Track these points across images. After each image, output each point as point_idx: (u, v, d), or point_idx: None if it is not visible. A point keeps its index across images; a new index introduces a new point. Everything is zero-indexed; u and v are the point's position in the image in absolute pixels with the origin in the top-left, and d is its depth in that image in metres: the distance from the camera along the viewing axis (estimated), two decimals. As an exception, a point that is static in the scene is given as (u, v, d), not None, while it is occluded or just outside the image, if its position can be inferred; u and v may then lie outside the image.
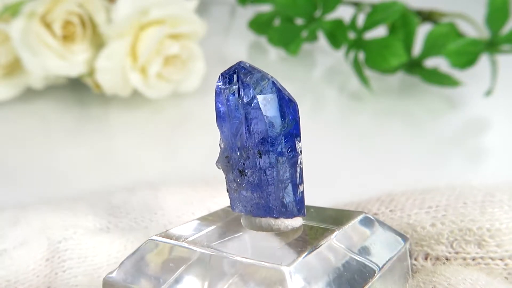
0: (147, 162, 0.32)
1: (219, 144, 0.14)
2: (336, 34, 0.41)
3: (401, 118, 0.38)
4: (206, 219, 0.16)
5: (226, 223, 0.15)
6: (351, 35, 0.40)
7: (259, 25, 0.48)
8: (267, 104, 0.13)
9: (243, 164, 0.14)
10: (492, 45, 0.36)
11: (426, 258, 0.15)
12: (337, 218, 0.15)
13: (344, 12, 0.41)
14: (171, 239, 0.14)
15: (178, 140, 0.35)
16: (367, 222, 0.15)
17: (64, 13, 0.34)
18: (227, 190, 0.15)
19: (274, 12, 0.46)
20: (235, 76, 0.13)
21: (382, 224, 0.15)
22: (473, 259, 0.15)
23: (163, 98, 0.37)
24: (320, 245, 0.13)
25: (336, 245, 0.13)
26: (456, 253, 0.15)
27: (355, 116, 0.38)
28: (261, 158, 0.13)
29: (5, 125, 0.35)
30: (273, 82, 0.13)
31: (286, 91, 0.14)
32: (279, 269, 0.11)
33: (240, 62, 0.14)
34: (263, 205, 0.14)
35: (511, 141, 0.34)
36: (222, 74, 0.14)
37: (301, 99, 0.41)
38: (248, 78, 0.13)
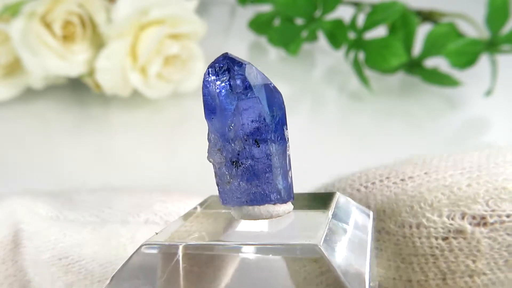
0: (147, 162, 0.32)
1: (208, 138, 0.14)
2: (336, 34, 0.41)
3: (401, 118, 0.38)
4: (187, 220, 0.16)
5: (213, 220, 0.15)
6: (351, 35, 0.40)
7: (259, 25, 0.48)
8: (259, 93, 0.13)
9: (238, 154, 0.14)
10: (492, 45, 0.36)
11: (463, 218, 0.16)
12: (318, 201, 0.16)
13: (344, 12, 0.41)
14: (171, 241, 0.14)
15: (178, 140, 0.35)
16: (344, 200, 0.16)
17: (64, 13, 0.34)
18: (217, 184, 0.15)
19: (274, 12, 0.46)
20: (225, 67, 0.13)
21: (352, 201, 0.16)
22: (508, 216, 0.15)
23: (163, 98, 0.37)
24: (328, 223, 0.14)
25: (336, 222, 0.14)
26: (492, 211, 0.15)
27: (355, 116, 0.38)
28: (258, 147, 0.14)
29: (5, 125, 0.35)
30: (258, 71, 0.14)
31: (269, 79, 0.14)
32: (313, 245, 0.12)
33: (227, 53, 0.14)
34: (260, 194, 0.14)
35: (511, 141, 0.34)
36: (211, 66, 0.14)
37: (301, 99, 0.41)
38: (240, 68, 0.13)
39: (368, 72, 0.40)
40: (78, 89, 0.39)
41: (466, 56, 0.36)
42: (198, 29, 0.37)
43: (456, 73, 0.38)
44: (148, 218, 0.19)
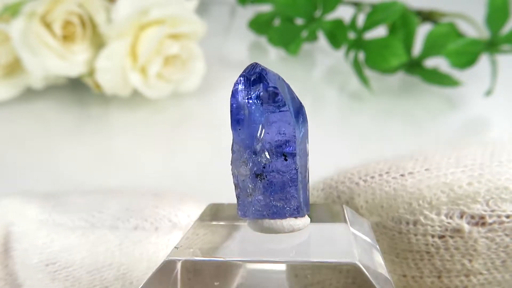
0: (147, 162, 0.32)
1: (232, 149, 0.14)
2: (336, 34, 0.41)
3: (401, 118, 0.38)
4: (199, 231, 0.15)
5: (227, 232, 0.15)
6: (351, 35, 0.40)
7: (259, 25, 0.48)
8: (288, 106, 0.13)
9: (263, 167, 0.13)
10: (492, 45, 0.36)
11: (461, 217, 0.15)
12: (327, 212, 0.15)
13: (344, 12, 0.41)
14: (200, 256, 0.13)
15: (178, 140, 0.35)
16: (351, 211, 0.16)
17: (64, 13, 0.34)
18: (237, 196, 0.14)
19: (274, 12, 0.46)
20: (256, 77, 0.13)
21: (354, 212, 0.16)
22: (507, 217, 0.15)
23: (163, 98, 0.37)
24: (353, 236, 0.13)
25: (357, 234, 0.14)
26: (492, 211, 0.15)
27: (355, 116, 0.38)
28: (286, 160, 0.13)
29: (5, 125, 0.35)
30: (285, 82, 0.13)
31: (294, 91, 0.14)
32: (353, 263, 0.12)
33: (256, 63, 0.13)
34: (282, 207, 0.14)
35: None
36: (242, 75, 0.13)
37: (301, 99, 0.41)
38: (272, 80, 0.13)
39: (368, 72, 0.40)
40: (78, 89, 0.39)
41: (466, 56, 0.36)
42: (198, 29, 0.37)
43: (456, 73, 0.38)
44: (138, 224, 0.19)
